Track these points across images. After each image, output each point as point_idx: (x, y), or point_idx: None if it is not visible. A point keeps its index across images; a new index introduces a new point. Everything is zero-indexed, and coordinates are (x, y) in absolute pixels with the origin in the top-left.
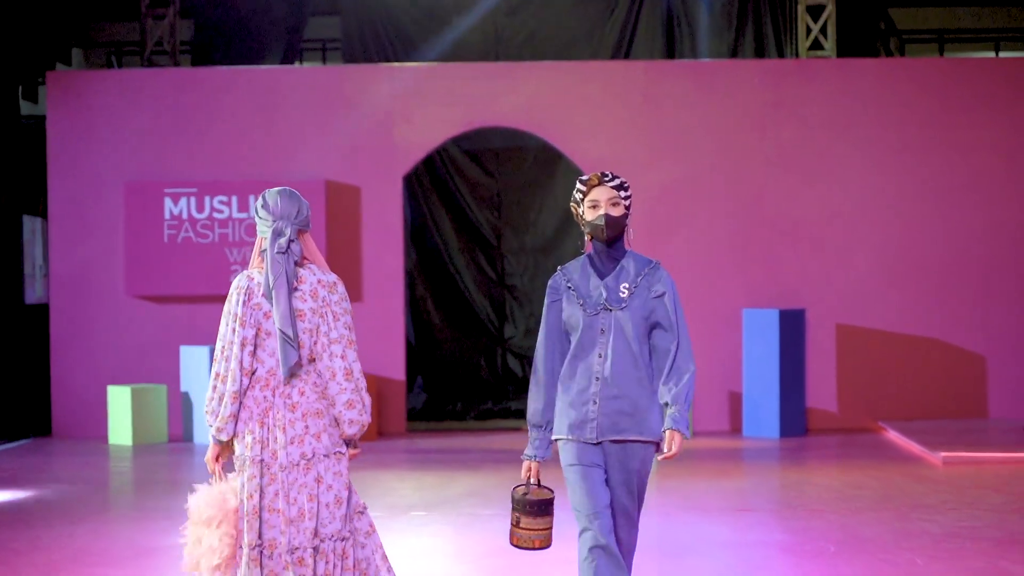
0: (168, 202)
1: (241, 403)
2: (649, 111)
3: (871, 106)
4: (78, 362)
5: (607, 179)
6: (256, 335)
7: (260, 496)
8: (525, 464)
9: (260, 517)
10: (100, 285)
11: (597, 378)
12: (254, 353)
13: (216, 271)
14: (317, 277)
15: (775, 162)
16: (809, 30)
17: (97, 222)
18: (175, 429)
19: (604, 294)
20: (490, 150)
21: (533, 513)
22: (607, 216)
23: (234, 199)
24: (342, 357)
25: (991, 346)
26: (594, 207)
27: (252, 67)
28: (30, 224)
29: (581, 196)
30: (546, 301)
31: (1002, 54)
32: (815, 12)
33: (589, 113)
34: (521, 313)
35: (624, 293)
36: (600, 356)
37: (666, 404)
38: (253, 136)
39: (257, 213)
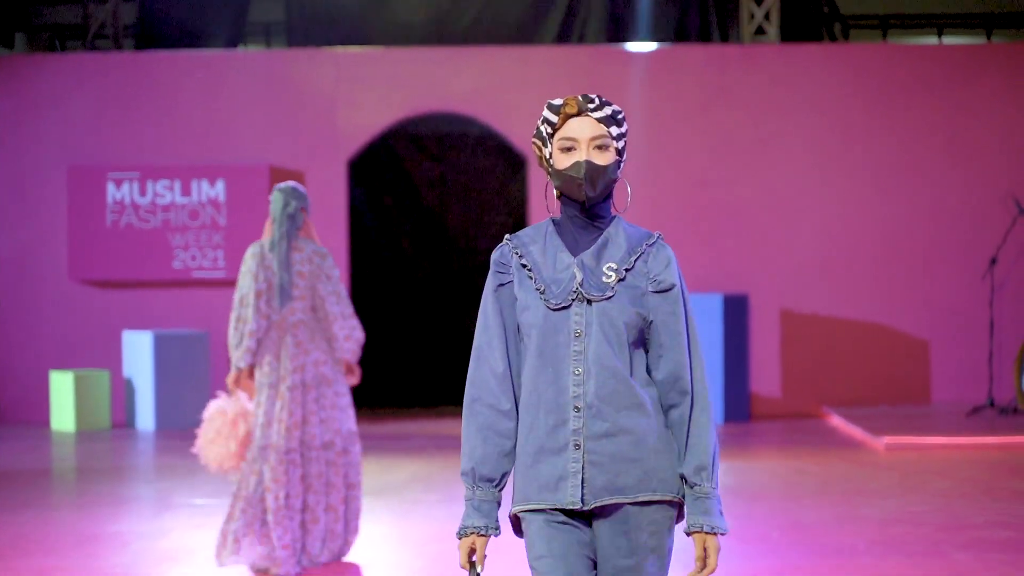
0: (111, 186)
1: (261, 340)
2: None
3: (814, 91)
4: (19, 347)
5: (591, 105)
6: (268, 288)
7: (271, 409)
8: (464, 543)
9: (271, 426)
10: (42, 270)
11: (576, 408)
12: (268, 303)
13: (159, 256)
14: (312, 248)
15: (719, 147)
16: (752, 15)
17: (39, 206)
18: (118, 415)
19: (579, 277)
20: (436, 135)
21: None
22: (589, 165)
23: (177, 184)
24: (337, 304)
25: (934, 331)
26: (569, 149)
27: (195, 51)
28: None
29: (549, 131)
30: (488, 283)
31: (945, 39)
32: None
33: (533, 99)
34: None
35: (610, 277)
36: (577, 373)
37: (682, 479)
38: (197, 121)
39: (272, 197)
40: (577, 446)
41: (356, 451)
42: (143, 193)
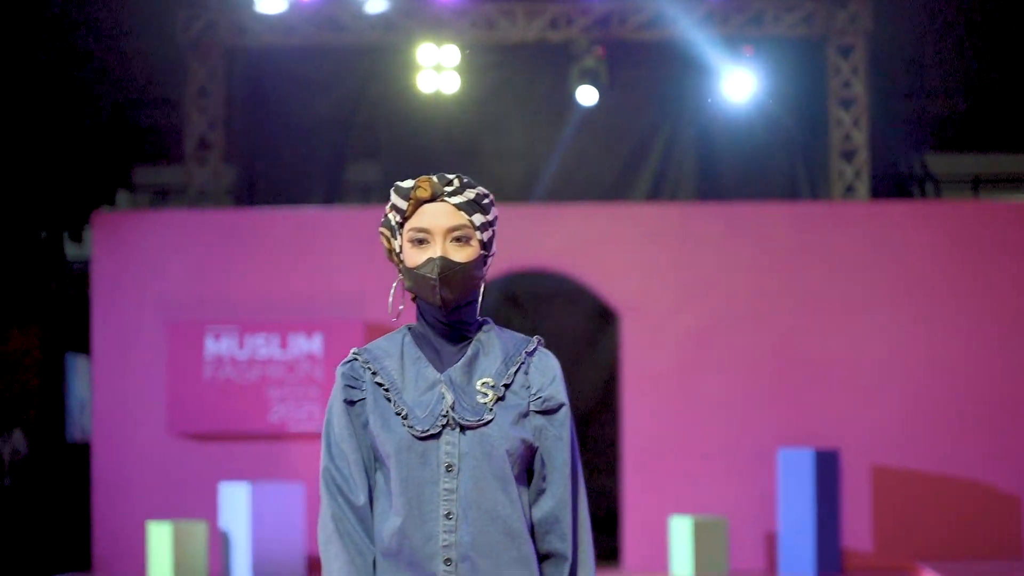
0: (209, 340)
1: None
2: (682, 253)
3: (903, 248)
4: (119, 498)
5: (449, 188)
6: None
7: None
8: None
9: None
10: (141, 422)
11: (447, 560)
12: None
13: (256, 409)
14: None
15: (807, 303)
16: (842, 174)
17: (139, 359)
18: (215, 566)
19: (449, 398)
20: (529, 292)
21: None
22: (444, 263)
23: (275, 338)
24: None
25: None
26: (420, 243)
27: (294, 208)
28: (74, 363)
29: (398, 219)
30: (335, 399)
31: None
32: (848, 156)
33: (626, 255)
34: None
35: (487, 396)
36: (448, 516)
37: None
38: (294, 276)
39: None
40: None
41: None
42: (241, 346)
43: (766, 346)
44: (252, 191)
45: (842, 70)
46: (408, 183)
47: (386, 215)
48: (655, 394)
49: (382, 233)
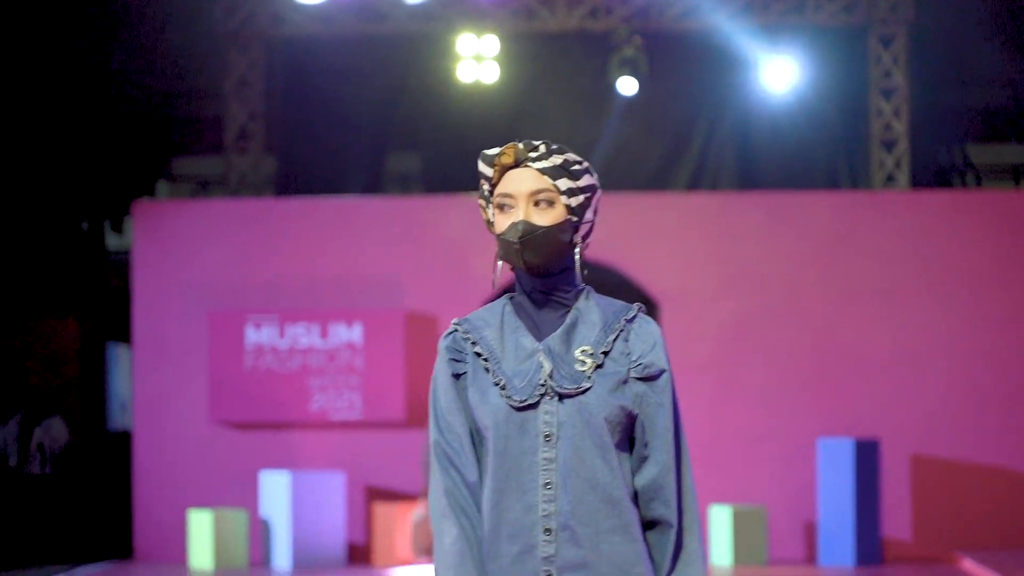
0: (250, 330)
1: None
2: (722, 243)
3: (943, 238)
4: (160, 486)
5: (533, 154)
6: None
7: None
8: None
9: None
10: (182, 411)
11: (547, 530)
12: None
13: (296, 398)
14: None
15: (847, 292)
16: (882, 163)
17: (180, 348)
18: (255, 553)
19: (547, 367)
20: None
21: None
22: (526, 226)
23: (315, 327)
24: None
25: None
26: (506, 208)
27: (334, 197)
28: (116, 353)
29: (488, 187)
30: (440, 372)
31: None
32: (889, 146)
33: (663, 245)
34: None
35: (584, 364)
36: (547, 486)
37: None
38: (335, 265)
39: None
40: None
41: None
42: (281, 335)
43: (806, 336)
44: (292, 181)
45: (883, 59)
46: (494, 150)
47: (480, 186)
48: (694, 384)
49: (479, 204)
